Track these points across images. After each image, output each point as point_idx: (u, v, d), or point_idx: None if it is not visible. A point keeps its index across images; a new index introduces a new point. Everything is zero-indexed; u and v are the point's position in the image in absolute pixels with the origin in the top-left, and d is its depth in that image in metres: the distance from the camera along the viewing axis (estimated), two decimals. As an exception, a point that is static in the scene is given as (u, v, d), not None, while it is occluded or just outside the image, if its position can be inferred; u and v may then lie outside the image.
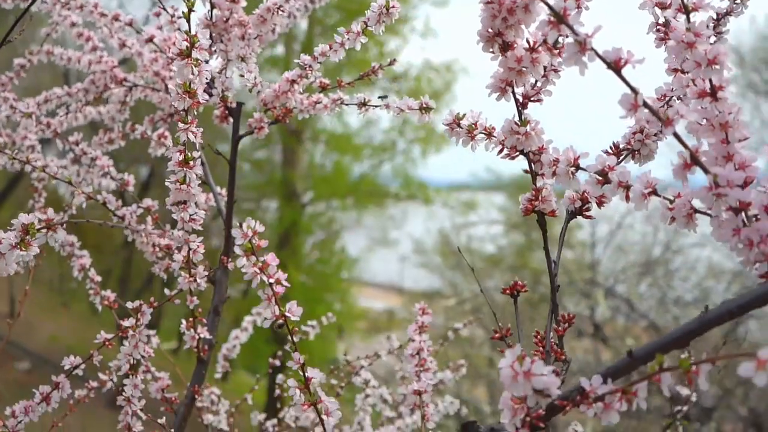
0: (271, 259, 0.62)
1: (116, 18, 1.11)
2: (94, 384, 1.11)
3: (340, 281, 11.19)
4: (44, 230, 0.67)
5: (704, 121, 0.55)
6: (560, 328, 0.62)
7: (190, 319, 0.96)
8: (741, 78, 9.21)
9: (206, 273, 0.91)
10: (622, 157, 0.68)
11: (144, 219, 1.05)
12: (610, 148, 0.69)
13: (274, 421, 1.37)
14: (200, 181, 1.05)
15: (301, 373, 0.65)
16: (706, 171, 0.51)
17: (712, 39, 0.72)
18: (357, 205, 12.21)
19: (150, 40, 1.08)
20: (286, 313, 0.63)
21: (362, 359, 1.32)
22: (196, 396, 0.99)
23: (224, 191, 1.11)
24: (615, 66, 0.50)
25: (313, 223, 11.78)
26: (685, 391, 1.09)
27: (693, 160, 0.51)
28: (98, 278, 1.10)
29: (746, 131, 0.54)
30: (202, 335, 0.96)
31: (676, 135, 0.51)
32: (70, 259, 1.13)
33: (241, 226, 0.61)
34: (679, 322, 6.32)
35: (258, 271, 0.62)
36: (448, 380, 1.42)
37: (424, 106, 0.88)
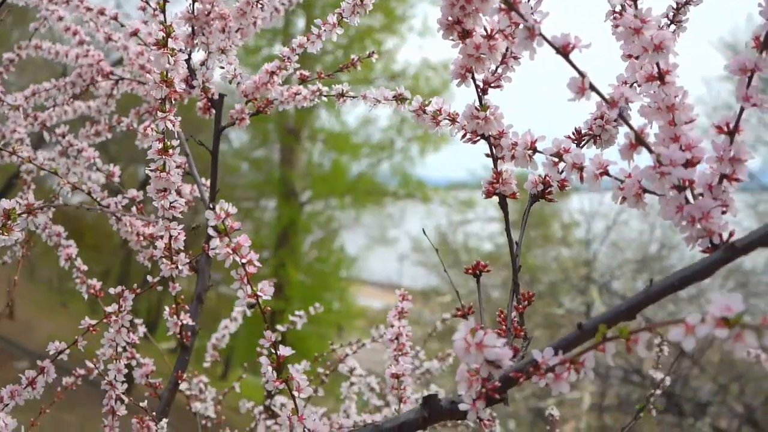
0: (244, 240, 0.65)
1: (102, 12, 1.13)
2: (81, 371, 1.14)
3: (339, 280, 11.21)
4: (25, 215, 0.70)
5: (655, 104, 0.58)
6: (520, 306, 0.64)
7: (173, 305, 0.98)
8: (738, 76, 9.24)
9: (188, 260, 0.93)
10: (583, 142, 0.70)
11: (129, 209, 1.08)
12: (572, 133, 0.71)
13: (261, 408, 1.39)
14: (185, 172, 1.08)
15: (273, 351, 0.67)
16: (650, 151, 0.53)
17: (672, 27, 0.74)
18: (355, 204, 12.25)
19: (135, 33, 1.10)
20: (258, 293, 0.65)
21: (347, 347, 1.34)
22: (180, 381, 1.02)
23: (209, 182, 1.13)
24: (563, 50, 0.53)
25: (311, 222, 11.82)
26: (658, 375, 1.11)
27: (638, 140, 0.54)
28: (84, 267, 1.13)
29: (692, 113, 0.56)
30: (184, 321, 0.99)
31: (620, 116, 0.53)
32: (57, 249, 1.15)
33: (214, 209, 0.63)
34: (674, 317, 6.33)
35: (231, 252, 0.64)
36: (435, 370, 1.44)
37: (399, 96, 0.90)
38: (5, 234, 0.70)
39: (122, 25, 1.14)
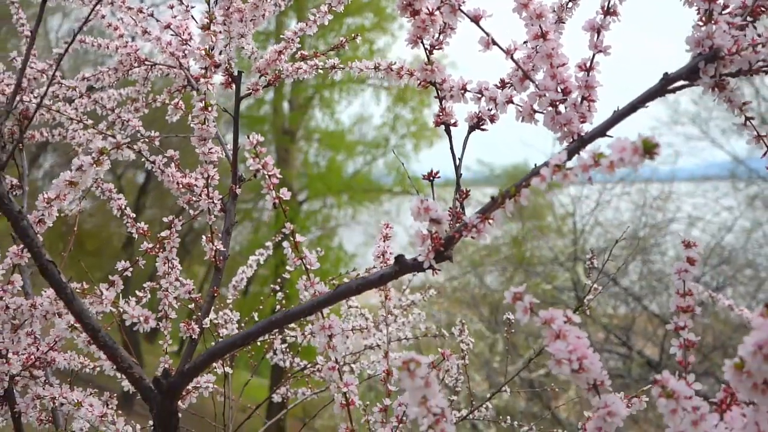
0: (269, 159, 0.94)
1: (140, 11, 1.42)
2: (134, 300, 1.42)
3: (339, 277, 11.44)
4: (114, 150, 0.98)
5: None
6: (460, 198, 0.93)
7: (209, 234, 1.27)
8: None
9: (221, 197, 1.22)
10: (507, 88, 0.99)
11: (168, 165, 1.36)
12: (499, 81, 1.00)
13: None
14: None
15: (292, 239, 0.96)
16: (533, 82, 0.82)
17: (571, 4, 1.03)
18: (352, 202, 12.52)
19: (167, 26, 1.39)
20: (280, 195, 0.94)
21: (345, 277, 1.63)
22: (215, 295, 1.30)
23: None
24: (475, 19, 0.82)
25: (309, 221, 12.09)
26: (588, 282, 1.40)
27: (525, 76, 0.83)
28: (133, 215, 1.41)
29: (565, 58, 0.85)
30: (218, 248, 1.27)
31: (513, 60, 0.82)
32: (110, 202, 1.44)
33: (248, 137, 0.92)
34: (656, 291, 6.67)
35: (261, 167, 0.93)
36: (418, 301, 1.73)
37: (376, 65, 1.19)
38: (98, 166, 0.99)
39: (157, 20, 1.42)
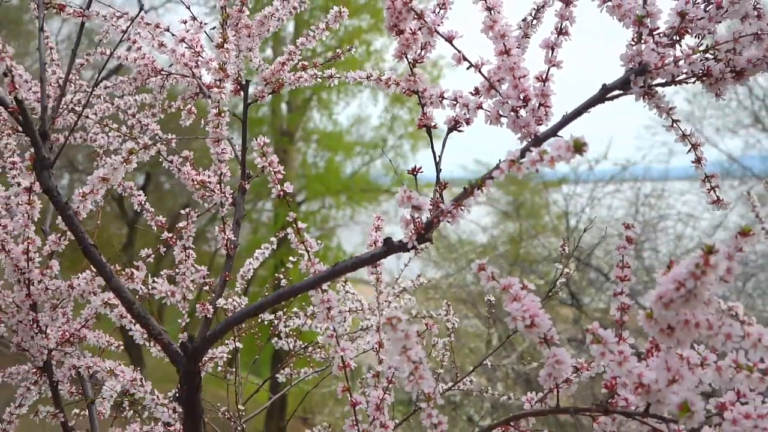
0: (274, 158, 1.10)
1: (157, 26, 1.57)
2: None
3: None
4: (142, 150, 1.14)
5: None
6: (440, 189, 1.09)
7: (221, 225, 1.43)
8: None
9: (232, 191, 1.38)
10: (478, 95, 1.15)
11: (184, 164, 1.52)
12: (474, 89, 1.16)
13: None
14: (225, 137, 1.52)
15: (295, 226, 1.12)
16: (497, 91, 0.98)
17: (535, 21, 1.19)
18: (350, 202, 12.67)
19: (182, 40, 1.55)
20: (284, 188, 1.10)
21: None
22: (227, 280, 1.46)
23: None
24: (449, 39, 0.98)
25: (308, 222, 12.24)
26: (567, 270, 1.56)
27: (491, 86, 0.99)
28: (152, 210, 1.57)
29: (525, 71, 1.01)
30: (229, 237, 1.43)
31: (480, 73, 0.98)
32: (130, 198, 1.60)
33: (256, 138, 1.08)
34: (648, 287, 6.82)
35: (267, 165, 1.09)
36: (408, 287, 1.89)
37: (368, 75, 1.35)
38: (126, 164, 1.14)
39: (173, 35, 1.58)
